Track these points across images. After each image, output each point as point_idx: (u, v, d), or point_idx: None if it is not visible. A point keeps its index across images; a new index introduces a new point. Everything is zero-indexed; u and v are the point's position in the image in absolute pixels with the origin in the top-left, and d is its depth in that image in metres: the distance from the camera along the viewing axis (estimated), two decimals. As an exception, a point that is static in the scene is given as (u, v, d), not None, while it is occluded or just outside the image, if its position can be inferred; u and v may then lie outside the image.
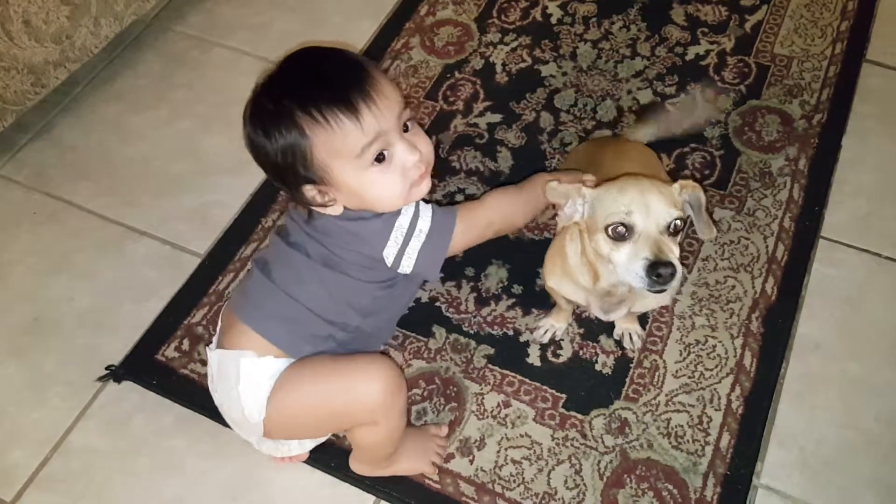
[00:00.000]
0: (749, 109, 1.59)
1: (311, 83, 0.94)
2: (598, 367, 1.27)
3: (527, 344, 1.30)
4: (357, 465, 1.16)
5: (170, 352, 1.32)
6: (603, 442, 1.19)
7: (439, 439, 1.19)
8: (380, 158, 0.95)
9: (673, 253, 0.94)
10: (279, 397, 1.01)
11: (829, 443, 1.18)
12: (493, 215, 1.10)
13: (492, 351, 1.29)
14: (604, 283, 1.05)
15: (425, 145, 1.00)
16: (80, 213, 1.53)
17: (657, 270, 0.92)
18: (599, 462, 1.17)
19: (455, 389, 1.25)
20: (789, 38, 1.71)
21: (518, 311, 1.33)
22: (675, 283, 0.94)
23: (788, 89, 1.61)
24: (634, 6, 1.79)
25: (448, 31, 1.79)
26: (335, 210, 0.99)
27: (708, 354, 1.27)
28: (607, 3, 1.80)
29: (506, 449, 1.19)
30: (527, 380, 1.26)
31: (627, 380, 1.25)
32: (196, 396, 1.26)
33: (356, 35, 1.79)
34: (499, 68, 1.70)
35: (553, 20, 1.78)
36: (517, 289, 1.36)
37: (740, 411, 1.20)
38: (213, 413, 1.16)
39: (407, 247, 1.01)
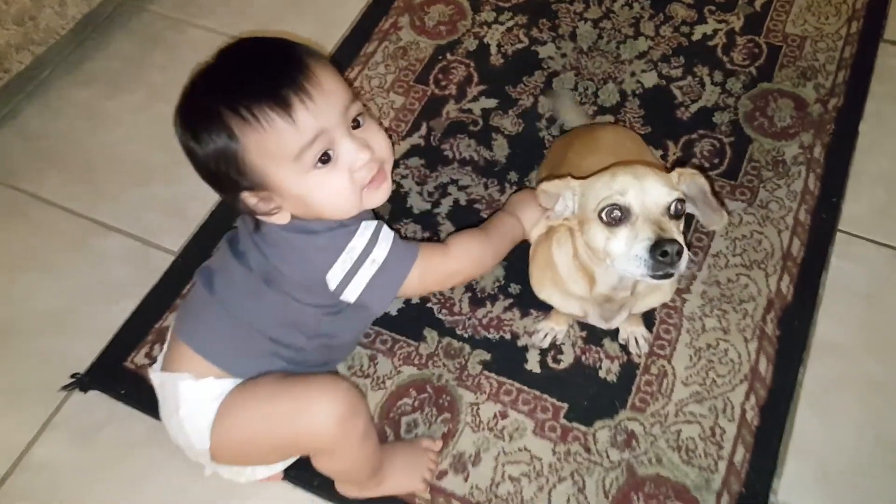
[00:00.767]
0: (760, 93, 1.54)
1: (240, 78, 0.86)
2: (602, 373, 1.22)
3: (525, 348, 1.25)
4: (341, 486, 1.10)
5: (139, 358, 1.28)
6: (608, 456, 1.14)
7: (432, 454, 1.14)
8: (324, 159, 0.87)
9: (678, 232, 0.86)
10: (223, 423, 0.94)
11: (849, 454, 1.14)
12: (457, 265, 1.04)
13: (488, 356, 1.25)
14: (601, 287, 0.98)
15: (379, 142, 0.92)
16: (45, 207, 1.49)
17: (662, 248, 0.83)
18: (604, 478, 1.12)
19: (448, 399, 1.21)
20: (802, 16, 1.67)
21: (516, 313, 1.28)
22: (682, 265, 0.85)
23: (802, 71, 1.57)
24: (637, -18, 1.75)
25: (439, 9, 1.74)
26: (281, 218, 0.91)
27: (720, 359, 1.22)
28: (609, -20, 1.76)
29: (503, 464, 1.14)
30: (525, 388, 1.21)
31: (634, 388, 1.20)
32: (168, 407, 1.19)
33: (341, 14, 1.75)
34: (494, 50, 1.66)
35: (551, -3, 1.73)
36: (514, 288, 1.31)
37: (755, 422, 1.16)
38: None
39: (356, 274, 0.93)
